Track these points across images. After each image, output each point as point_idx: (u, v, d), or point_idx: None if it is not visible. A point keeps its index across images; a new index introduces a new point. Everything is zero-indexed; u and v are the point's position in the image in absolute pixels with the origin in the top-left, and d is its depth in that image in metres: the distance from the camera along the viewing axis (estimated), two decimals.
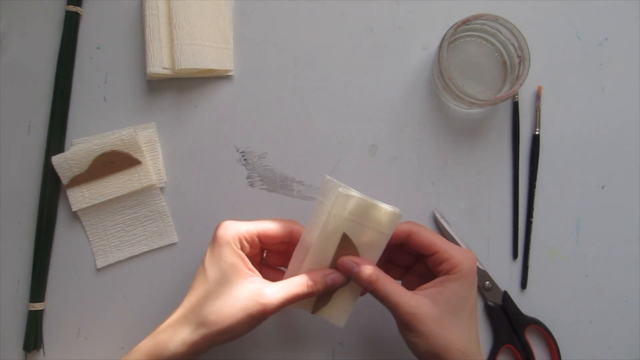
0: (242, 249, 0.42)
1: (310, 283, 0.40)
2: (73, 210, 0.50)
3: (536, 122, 0.52)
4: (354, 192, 0.41)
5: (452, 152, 0.52)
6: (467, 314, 0.40)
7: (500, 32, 0.49)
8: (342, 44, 0.52)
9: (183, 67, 0.49)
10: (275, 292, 0.40)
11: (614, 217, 0.51)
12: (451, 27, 0.47)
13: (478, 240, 0.51)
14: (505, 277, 0.51)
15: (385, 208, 0.41)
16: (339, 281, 0.41)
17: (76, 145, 0.51)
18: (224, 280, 0.40)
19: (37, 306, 0.49)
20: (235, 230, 0.41)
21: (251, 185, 0.51)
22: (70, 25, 0.51)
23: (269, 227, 0.43)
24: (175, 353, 0.39)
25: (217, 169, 0.51)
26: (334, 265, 0.42)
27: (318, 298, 0.42)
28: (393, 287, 0.40)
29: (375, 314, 0.50)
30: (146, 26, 0.50)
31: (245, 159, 0.52)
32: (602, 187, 0.52)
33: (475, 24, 0.48)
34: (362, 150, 0.52)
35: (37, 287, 0.49)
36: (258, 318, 0.39)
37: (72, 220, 0.51)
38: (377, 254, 0.42)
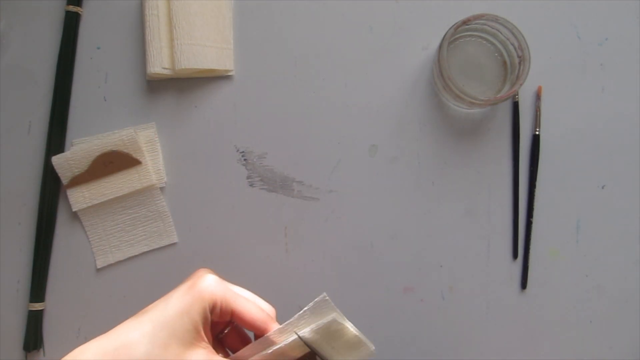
0: (212, 311, 0.38)
1: None
2: (73, 210, 0.50)
3: (536, 122, 0.52)
4: (347, 323, 0.38)
5: (452, 152, 0.52)
6: None
7: (500, 32, 0.49)
8: (342, 44, 0.52)
9: (183, 67, 0.49)
10: None
11: (614, 217, 0.51)
12: (451, 27, 0.47)
13: (478, 240, 0.51)
14: (505, 277, 0.51)
15: (369, 347, 0.39)
16: None
17: (76, 145, 0.51)
18: (179, 336, 0.36)
19: (37, 306, 0.49)
20: (216, 291, 0.38)
21: (251, 185, 0.51)
22: (70, 26, 0.51)
23: (248, 312, 0.39)
24: None
25: (217, 169, 0.51)
26: None
27: None
28: None
29: (374, 314, 0.50)
30: (146, 26, 0.50)
31: (245, 159, 0.52)
32: (602, 187, 0.52)
33: (475, 24, 0.48)
34: (362, 150, 0.52)
35: (37, 287, 0.49)
36: None
37: (72, 220, 0.51)
38: None
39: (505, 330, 0.50)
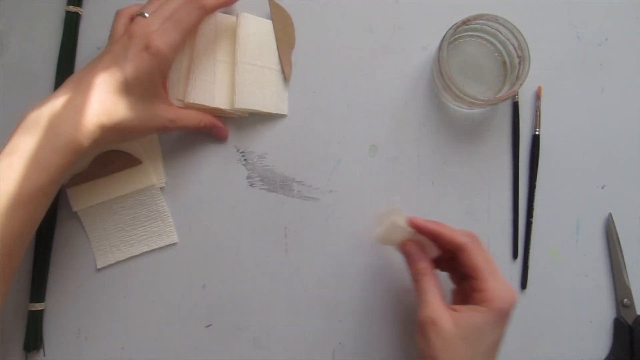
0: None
1: (202, 124, 0.48)
2: (73, 210, 0.50)
3: (536, 122, 0.52)
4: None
5: (452, 152, 0.52)
6: (481, 348, 0.40)
7: (500, 32, 0.49)
8: (342, 44, 0.52)
9: (193, 102, 0.49)
10: (181, 117, 0.46)
11: (614, 217, 0.51)
12: (451, 27, 0.47)
13: None
14: (506, 277, 0.51)
15: None
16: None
17: None
18: (150, 92, 0.44)
19: (37, 306, 0.49)
20: (175, 45, 0.43)
21: (251, 185, 0.51)
22: (71, 26, 0.51)
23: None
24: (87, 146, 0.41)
25: (217, 169, 0.51)
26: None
27: None
28: (433, 288, 0.41)
29: (374, 314, 0.50)
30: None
31: (245, 159, 0.52)
32: (602, 187, 0.52)
33: (475, 24, 0.48)
34: (362, 150, 0.52)
35: (37, 287, 0.49)
36: (162, 130, 0.47)
37: (72, 220, 0.51)
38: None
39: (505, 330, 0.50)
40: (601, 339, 0.50)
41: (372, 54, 0.52)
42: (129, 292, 0.50)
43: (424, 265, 0.43)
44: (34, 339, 0.48)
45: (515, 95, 0.52)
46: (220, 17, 0.51)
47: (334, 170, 0.51)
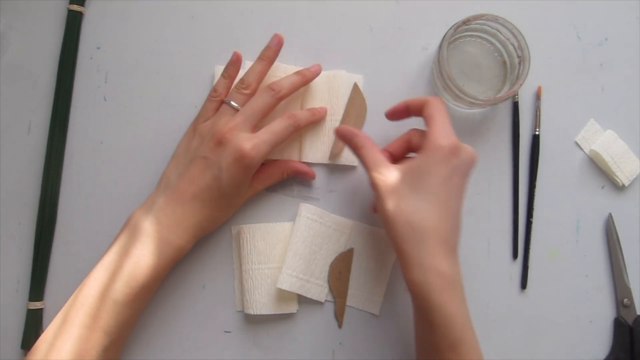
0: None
1: (285, 175, 0.50)
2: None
3: (536, 122, 0.52)
4: None
5: None
6: (428, 188, 0.40)
7: (500, 32, 0.49)
8: (342, 44, 0.52)
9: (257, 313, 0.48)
10: (263, 182, 0.49)
11: (614, 217, 0.51)
12: (451, 27, 0.47)
13: (478, 240, 0.51)
14: (505, 277, 0.51)
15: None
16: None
17: None
18: (241, 190, 0.47)
19: (36, 305, 0.49)
20: (265, 155, 0.45)
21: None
22: (73, 25, 0.51)
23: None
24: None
25: None
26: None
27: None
28: (373, 153, 0.43)
29: (375, 315, 0.50)
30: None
31: None
32: (602, 187, 0.52)
33: (475, 24, 0.48)
34: None
35: (37, 286, 0.49)
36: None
37: (72, 220, 0.51)
38: None
39: (505, 330, 0.50)
40: (601, 339, 0.50)
41: (372, 54, 0.52)
42: None
43: (360, 137, 0.44)
44: (33, 337, 0.48)
45: (515, 95, 0.52)
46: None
47: (334, 170, 0.51)
